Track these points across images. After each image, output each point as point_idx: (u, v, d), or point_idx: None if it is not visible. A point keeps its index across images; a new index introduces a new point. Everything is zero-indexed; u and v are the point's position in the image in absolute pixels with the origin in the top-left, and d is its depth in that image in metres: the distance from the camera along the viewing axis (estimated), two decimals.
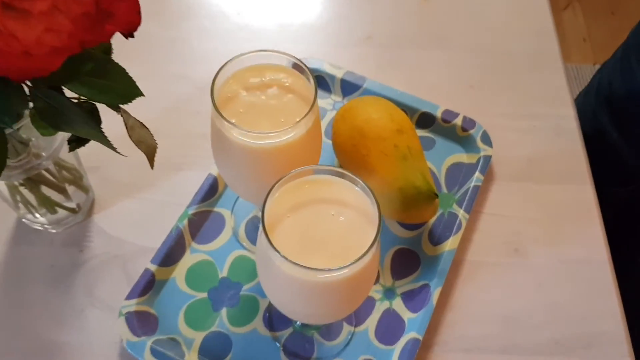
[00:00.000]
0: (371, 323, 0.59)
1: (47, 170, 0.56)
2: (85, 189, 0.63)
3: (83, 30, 0.33)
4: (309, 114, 0.45)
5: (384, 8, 0.84)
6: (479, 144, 0.69)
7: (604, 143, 0.86)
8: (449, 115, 0.70)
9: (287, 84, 0.49)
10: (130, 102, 0.43)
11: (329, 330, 0.59)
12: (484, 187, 0.68)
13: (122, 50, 0.82)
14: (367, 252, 0.40)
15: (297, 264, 0.40)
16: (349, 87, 0.73)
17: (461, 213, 0.64)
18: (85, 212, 0.65)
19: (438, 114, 0.70)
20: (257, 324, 0.59)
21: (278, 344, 0.58)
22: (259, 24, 0.82)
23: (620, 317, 0.60)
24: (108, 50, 0.44)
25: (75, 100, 0.43)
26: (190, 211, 0.64)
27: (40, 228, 0.64)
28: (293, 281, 0.42)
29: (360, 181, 0.43)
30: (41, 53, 0.32)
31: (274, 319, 0.59)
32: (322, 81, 0.74)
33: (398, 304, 0.60)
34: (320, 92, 0.74)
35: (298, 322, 0.59)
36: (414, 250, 0.63)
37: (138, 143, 0.43)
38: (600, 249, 0.64)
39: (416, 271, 0.62)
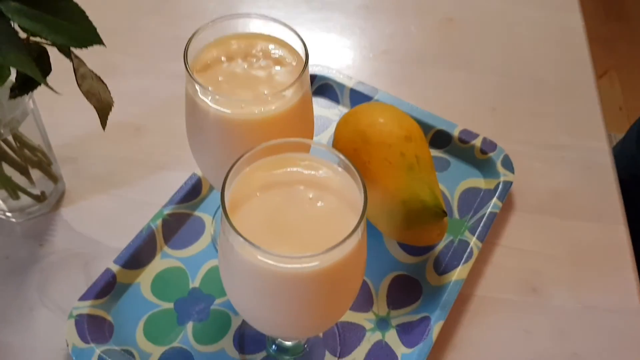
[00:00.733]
0: (359, 355, 0.51)
1: (6, 142, 0.50)
2: (54, 177, 0.57)
3: None
4: (296, 84, 0.39)
5: (404, 23, 0.79)
6: (499, 168, 0.61)
7: None
8: (468, 135, 0.63)
9: (277, 56, 0.42)
10: (86, 47, 0.37)
11: (309, 359, 0.50)
12: (502, 217, 0.60)
13: (120, 43, 0.79)
14: (344, 240, 0.33)
15: (260, 249, 0.32)
16: (358, 98, 0.66)
17: (473, 241, 0.56)
18: (52, 204, 0.59)
19: (455, 133, 0.63)
20: (226, 343, 0.51)
21: None
22: (268, 30, 0.77)
23: None
24: None
25: (24, 40, 0.37)
26: (167, 211, 0.57)
27: (1, 215, 0.57)
28: (255, 272, 0.35)
29: (345, 159, 0.36)
30: None
31: (246, 340, 0.51)
32: (329, 90, 0.68)
33: (392, 337, 0.52)
34: (326, 102, 0.68)
35: (274, 346, 0.51)
36: (415, 278, 0.55)
37: (88, 95, 0.37)
38: (633, 296, 0.55)
39: (416, 301, 0.54)
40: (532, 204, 0.61)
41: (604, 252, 0.58)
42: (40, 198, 0.57)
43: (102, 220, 0.58)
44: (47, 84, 0.36)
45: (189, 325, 0.52)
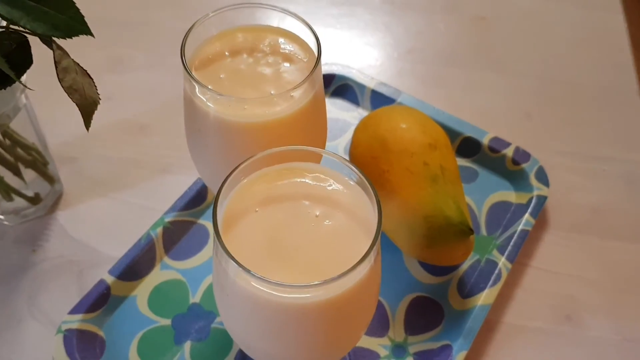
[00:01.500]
0: None
1: None
2: (50, 178, 0.53)
3: None
4: (305, 83, 0.34)
5: (432, 20, 0.73)
6: (533, 181, 0.56)
7: None
8: (499, 143, 0.58)
9: (286, 52, 0.38)
10: (70, 37, 0.33)
11: None
12: (534, 235, 0.55)
13: (128, 36, 0.75)
14: (354, 267, 0.28)
15: (256, 276, 0.28)
16: (380, 101, 0.61)
17: (502, 262, 0.51)
18: (48, 206, 0.55)
19: (485, 141, 0.58)
20: None
21: None
22: (285, 26, 0.72)
23: None
24: None
25: (3, 29, 0.33)
26: (168, 219, 0.52)
27: None
28: (251, 302, 0.30)
29: (358, 173, 0.31)
30: None
31: None
32: (349, 91, 0.63)
33: None
34: (345, 104, 0.63)
35: None
36: (437, 300, 0.50)
37: (70, 90, 0.33)
38: None
39: (437, 327, 0.49)
40: (568, 221, 0.56)
41: None
42: (34, 200, 0.53)
43: (99, 225, 0.54)
44: (20, 81, 0.31)
45: (187, 345, 0.47)
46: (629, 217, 0.56)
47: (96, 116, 0.39)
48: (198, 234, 0.53)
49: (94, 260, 0.52)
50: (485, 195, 0.57)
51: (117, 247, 0.52)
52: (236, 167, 0.31)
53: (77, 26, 0.33)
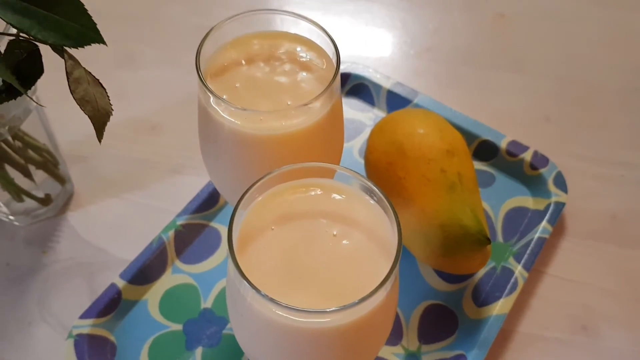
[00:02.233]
0: None
1: (7, 143, 0.45)
2: (61, 178, 0.53)
3: None
4: (324, 95, 0.33)
5: (450, 17, 0.72)
6: (551, 187, 0.55)
7: None
8: (517, 147, 0.57)
9: (304, 60, 0.37)
10: (82, 46, 0.32)
11: None
12: (552, 242, 0.54)
13: (140, 32, 0.74)
14: (374, 292, 0.27)
15: (274, 301, 0.27)
16: (396, 101, 0.60)
17: (519, 270, 0.50)
18: (59, 207, 0.54)
19: (503, 144, 0.57)
20: None
21: None
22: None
23: None
24: None
25: (13, 37, 0.32)
26: (180, 222, 0.52)
27: (4, 218, 0.53)
28: (266, 324, 0.29)
29: (378, 192, 0.30)
30: None
31: None
32: (365, 91, 0.62)
33: None
34: (360, 104, 0.62)
35: None
36: (451, 308, 0.49)
37: (82, 102, 0.32)
38: None
39: (451, 336, 0.48)
40: (586, 228, 0.55)
41: None
42: (45, 201, 0.52)
43: (110, 226, 0.54)
44: (28, 95, 0.31)
45: (198, 351, 0.47)
46: None
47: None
48: (210, 237, 0.53)
49: (104, 263, 0.52)
50: (501, 200, 0.56)
51: (128, 249, 0.51)
52: (251, 186, 0.30)
53: (90, 34, 0.32)
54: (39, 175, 0.51)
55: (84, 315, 0.47)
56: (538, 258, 0.52)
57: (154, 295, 0.49)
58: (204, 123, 0.37)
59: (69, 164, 0.55)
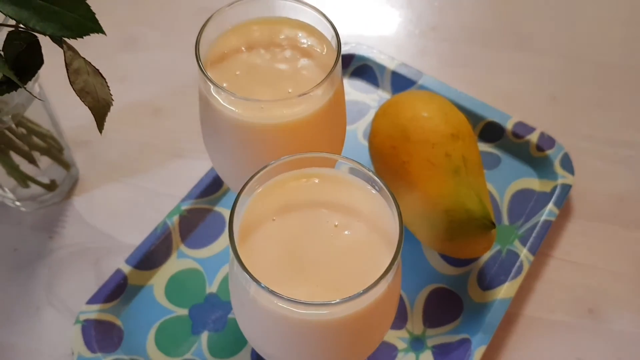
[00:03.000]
0: None
1: (11, 130, 0.45)
2: (65, 164, 0.53)
3: None
4: (325, 82, 0.33)
5: None
6: (557, 169, 0.54)
7: None
8: (523, 129, 0.56)
9: (305, 46, 0.36)
10: (81, 37, 0.32)
11: None
12: (558, 224, 0.53)
13: (142, 14, 0.73)
14: (376, 283, 0.27)
15: (276, 294, 0.27)
16: (400, 82, 0.60)
17: (524, 253, 0.50)
18: (65, 192, 0.54)
19: (508, 125, 0.56)
20: (243, 358, 0.46)
21: None
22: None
23: None
24: None
25: (12, 29, 0.32)
26: (184, 206, 0.52)
27: (11, 204, 0.53)
28: (269, 316, 0.29)
29: (380, 182, 0.30)
30: None
31: None
32: (369, 72, 0.61)
33: (427, 359, 0.46)
34: (364, 85, 0.61)
35: None
36: (456, 292, 0.49)
37: (82, 93, 0.32)
38: None
39: (456, 320, 0.48)
40: (592, 210, 0.54)
41: None
42: (51, 187, 0.53)
43: (115, 211, 0.54)
44: (26, 89, 0.30)
45: (204, 335, 0.47)
46: None
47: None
48: (214, 222, 0.53)
49: (110, 248, 0.52)
50: (507, 182, 0.55)
51: (133, 233, 0.52)
52: (251, 178, 0.30)
53: (89, 24, 0.31)
54: (44, 161, 0.51)
55: (90, 301, 0.47)
56: (544, 241, 0.52)
57: (159, 280, 0.50)
58: (205, 111, 0.37)
59: (74, 149, 0.55)
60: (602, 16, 0.69)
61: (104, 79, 0.34)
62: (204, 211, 0.53)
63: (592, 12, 0.69)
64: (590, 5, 0.70)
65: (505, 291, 0.48)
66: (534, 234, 0.51)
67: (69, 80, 0.31)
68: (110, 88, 0.36)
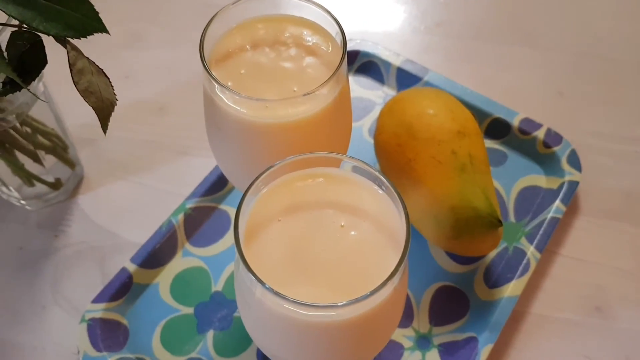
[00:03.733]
0: None
1: (15, 129, 0.45)
2: (70, 162, 0.53)
3: None
4: (330, 81, 0.32)
5: None
6: (564, 165, 0.54)
7: None
8: (530, 125, 0.56)
9: (310, 44, 0.36)
10: (85, 36, 0.31)
11: None
12: (565, 222, 0.53)
13: (145, 11, 0.73)
14: (383, 284, 0.27)
15: (282, 296, 0.27)
16: (406, 79, 0.59)
17: (531, 251, 0.49)
18: (69, 191, 0.54)
19: (515, 122, 0.56)
20: (249, 356, 0.46)
21: None
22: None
23: None
24: None
25: (16, 28, 0.31)
26: (189, 205, 0.52)
27: (16, 203, 0.53)
28: (275, 318, 0.29)
29: (386, 181, 0.30)
30: None
31: None
32: (374, 68, 0.61)
33: (433, 358, 0.46)
34: (370, 82, 0.61)
35: None
36: (462, 290, 0.49)
37: (86, 94, 0.32)
38: None
39: (462, 318, 0.48)
40: (600, 207, 0.54)
41: None
42: (56, 185, 0.52)
43: (120, 209, 0.54)
44: (28, 89, 0.30)
45: (210, 334, 0.47)
46: None
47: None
48: (219, 220, 0.52)
49: (115, 246, 0.52)
50: (514, 179, 0.55)
51: (138, 232, 0.52)
52: (256, 178, 0.30)
53: (92, 24, 0.31)
54: (49, 159, 0.51)
55: (96, 300, 0.47)
56: (551, 238, 0.51)
57: (164, 278, 0.50)
58: (210, 110, 0.36)
59: (78, 147, 0.55)
60: (609, 11, 0.68)
61: (108, 78, 0.34)
62: (209, 209, 0.53)
63: (598, 8, 0.68)
64: (597, 1, 0.69)
65: (512, 289, 0.48)
66: (540, 232, 0.50)
67: (73, 81, 0.31)
68: (114, 86, 0.36)
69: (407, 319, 0.48)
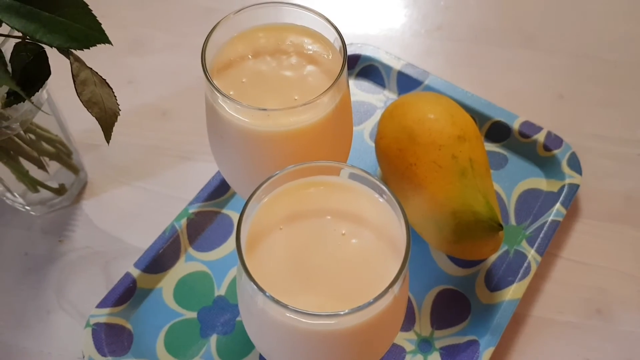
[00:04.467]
0: None
1: (19, 137, 0.46)
2: (74, 168, 0.53)
3: None
4: (331, 89, 0.33)
5: None
6: (565, 168, 0.54)
7: None
8: (530, 128, 0.56)
9: (311, 52, 0.36)
10: (88, 47, 0.32)
11: None
12: (565, 225, 0.53)
13: (148, 16, 0.74)
14: (384, 293, 0.27)
15: (285, 305, 0.27)
16: (407, 83, 0.60)
17: (532, 254, 0.50)
18: (74, 196, 0.55)
19: (515, 125, 0.56)
20: None
21: None
22: (312, 2, 0.70)
23: None
24: None
25: (19, 40, 0.32)
26: (192, 210, 0.52)
27: (21, 209, 0.54)
28: (277, 326, 0.29)
29: (387, 190, 0.30)
30: None
31: None
32: (375, 72, 0.61)
33: None
34: (370, 86, 0.61)
35: None
36: (464, 293, 0.49)
37: (89, 104, 0.32)
38: None
39: (464, 321, 0.48)
40: (600, 210, 0.54)
41: None
42: (60, 191, 0.53)
43: (123, 215, 0.54)
44: (31, 102, 0.31)
45: (213, 338, 0.48)
46: None
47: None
48: (222, 225, 0.53)
49: (119, 251, 0.52)
50: (514, 182, 0.55)
51: (142, 237, 0.52)
52: (258, 187, 0.30)
53: (95, 35, 0.31)
54: (53, 165, 0.51)
55: (100, 305, 0.48)
56: (552, 241, 0.52)
57: (168, 283, 0.50)
58: (212, 118, 0.37)
59: (82, 153, 0.56)
60: (609, 14, 0.68)
61: (111, 88, 0.34)
62: (211, 214, 0.53)
63: (598, 10, 0.68)
64: (597, 2, 0.69)
65: (513, 292, 0.48)
66: (541, 235, 0.51)
67: (76, 92, 0.32)
68: (117, 91, 0.36)
69: (408, 322, 0.48)
